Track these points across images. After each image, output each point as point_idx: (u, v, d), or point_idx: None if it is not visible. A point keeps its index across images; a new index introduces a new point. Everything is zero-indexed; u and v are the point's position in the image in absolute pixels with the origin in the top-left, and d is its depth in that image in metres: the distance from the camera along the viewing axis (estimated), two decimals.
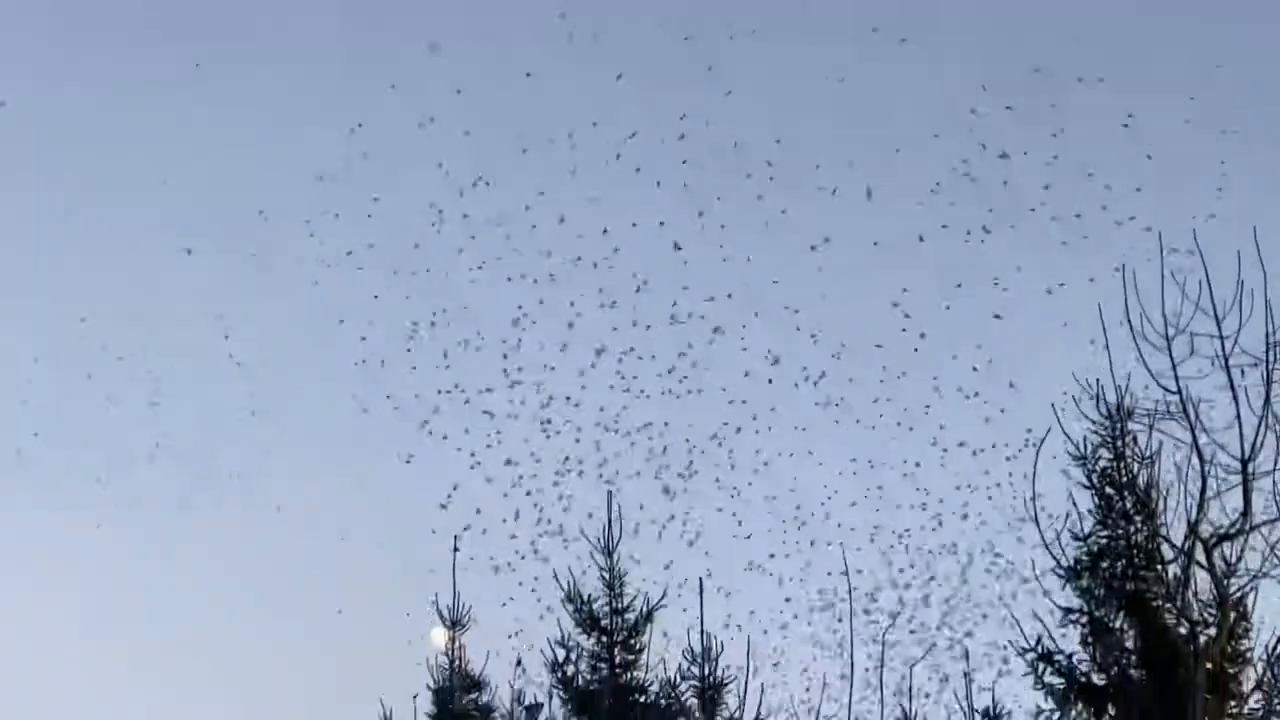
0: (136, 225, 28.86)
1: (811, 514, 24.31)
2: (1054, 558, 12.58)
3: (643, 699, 15.11)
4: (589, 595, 15.52)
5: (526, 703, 15.36)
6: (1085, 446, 13.06)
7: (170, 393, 26.99)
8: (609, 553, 15.55)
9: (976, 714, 12.86)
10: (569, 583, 15.52)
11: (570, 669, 15.34)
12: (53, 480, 28.22)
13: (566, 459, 23.92)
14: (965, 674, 12.96)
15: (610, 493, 15.79)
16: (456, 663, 16.58)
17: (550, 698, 15.21)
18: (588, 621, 15.50)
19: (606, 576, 15.54)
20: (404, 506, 25.86)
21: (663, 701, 14.94)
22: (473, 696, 16.46)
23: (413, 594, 22.40)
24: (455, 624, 16.66)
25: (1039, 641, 12.61)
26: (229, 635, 27.92)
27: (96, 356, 26.79)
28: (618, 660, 15.36)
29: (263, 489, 26.97)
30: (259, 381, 26.41)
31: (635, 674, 15.31)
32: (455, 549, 16.84)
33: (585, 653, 15.43)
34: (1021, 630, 12.55)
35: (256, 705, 26.13)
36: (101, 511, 27.06)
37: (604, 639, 15.44)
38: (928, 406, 24.03)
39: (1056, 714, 12.65)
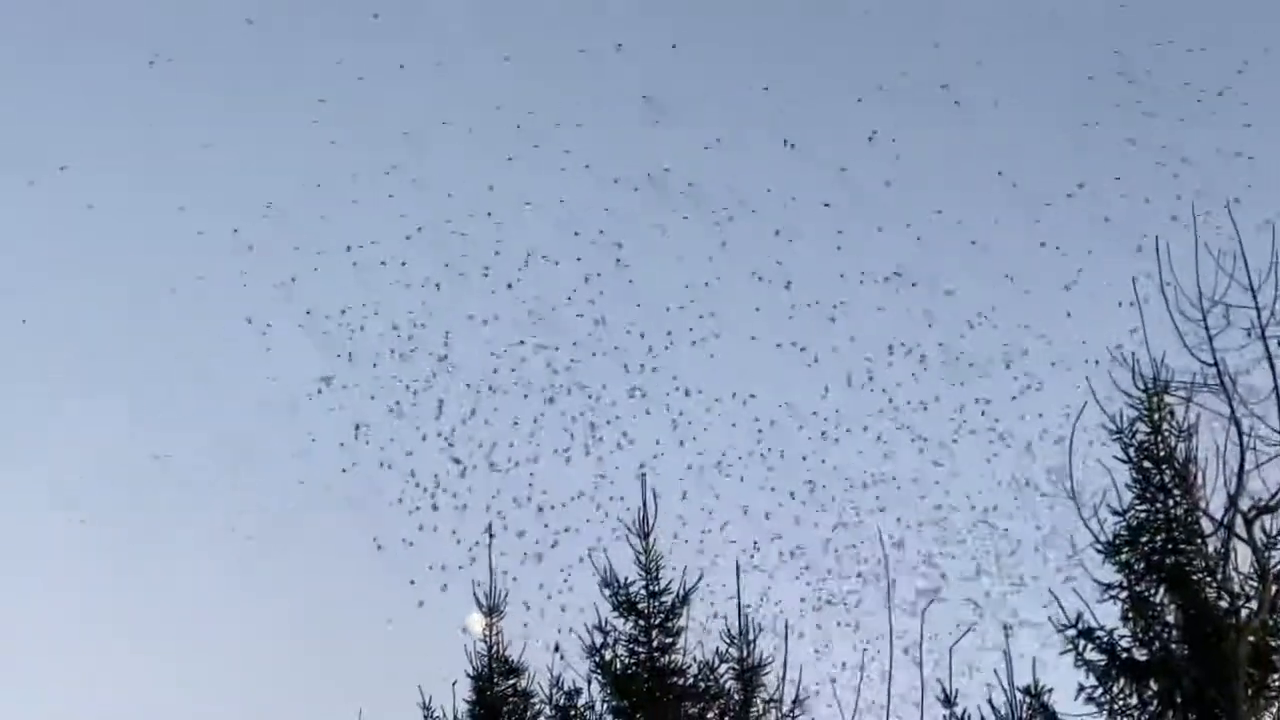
0: None
1: (831, 497, 24.43)
2: (1092, 533, 12.53)
3: (681, 681, 15.10)
4: (625, 579, 15.52)
5: (565, 688, 15.34)
6: (1122, 420, 12.99)
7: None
8: (644, 536, 15.53)
9: (1017, 691, 12.77)
10: (605, 567, 15.52)
11: (608, 653, 15.34)
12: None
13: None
14: (1005, 652, 12.85)
15: (644, 475, 15.77)
16: (494, 649, 16.57)
17: (589, 682, 15.21)
18: (624, 605, 15.49)
19: (642, 559, 15.53)
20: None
21: (701, 684, 14.93)
22: (511, 682, 16.44)
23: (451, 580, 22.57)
24: (492, 610, 16.65)
25: (1079, 618, 12.54)
26: (268, 624, 28.15)
27: None
28: (655, 643, 15.34)
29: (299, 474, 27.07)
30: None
31: (673, 656, 15.29)
32: (490, 534, 16.85)
33: (623, 636, 15.42)
34: (1061, 606, 12.50)
35: (297, 693, 26.29)
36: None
37: (641, 622, 15.43)
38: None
39: (1098, 690, 12.58)
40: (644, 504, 15.53)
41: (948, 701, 12.78)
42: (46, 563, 28.74)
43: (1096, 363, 12.93)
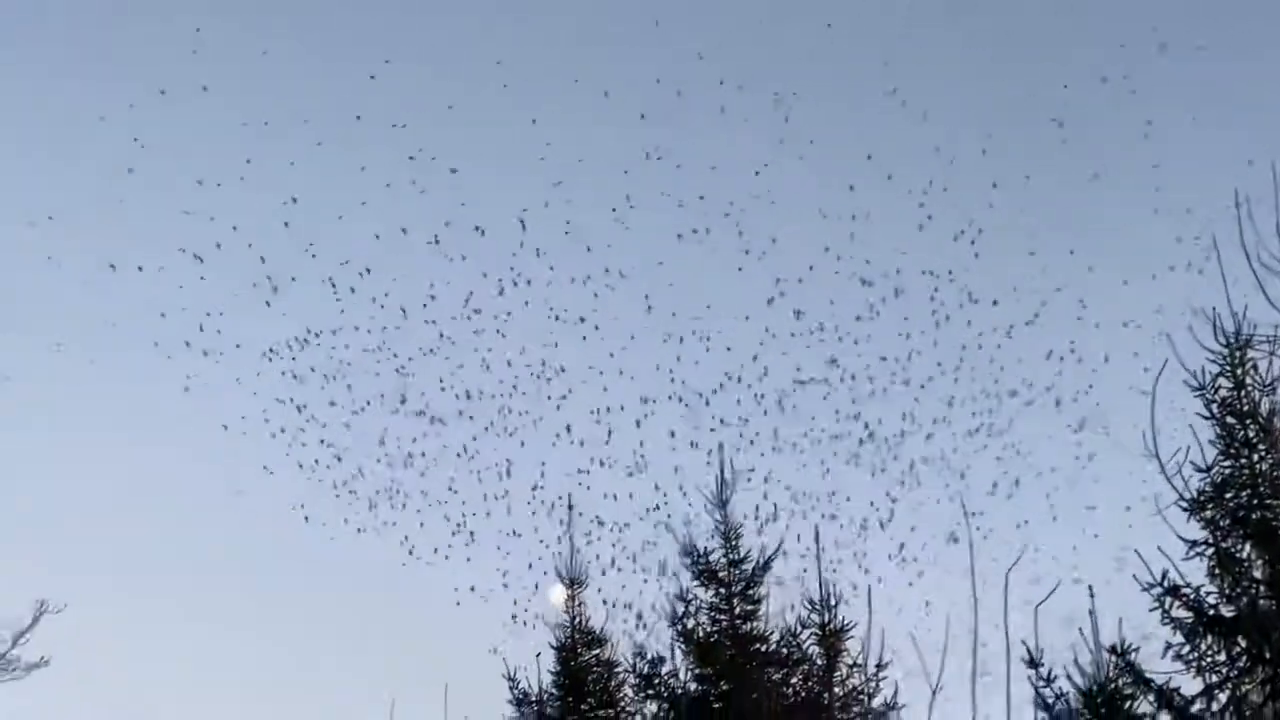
0: None
1: (910, 462, 24.38)
2: (1176, 490, 12.42)
3: (763, 648, 15.15)
4: (705, 549, 15.57)
5: (649, 656, 15.42)
6: (1204, 376, 12.87)
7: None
8: (723, 505, 15.59)
9: (1103, 650, 12.70)
10: (685, 536, 15.59)
11: (690, 622, 15.42)
12: None
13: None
14: (1090, 611, 12.77)
15: (721, 444, 15.79)
16: (577, 620, 16.67)
17: (671, 651, 15.28)
18: (705, 574, 15.56)
19: (721, 529, 15.59)
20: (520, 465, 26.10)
21: (784, 650, 14.97)
22: (595, 652, 16.54)
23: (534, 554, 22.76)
24: (574, 582, 16.75)
25: (1164, 576, 12.45)
26: (354, 595, 28.52)
27: None
28: (736, 611, 15.41)
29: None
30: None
31: (755, 624, 15.35)
32: (570, 507, 16.93)
33: (704, 605, 15.50)
34: (1147, 565, 12.40)
35: (384, 664, 26.64)
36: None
37: (722, 590, 15.50)
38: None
39: (1185, 647, 12.49)
40: (721, 474, 15.59)
41: (1033, 662, 12.71)
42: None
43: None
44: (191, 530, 29.17)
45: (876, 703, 14.12)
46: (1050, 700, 12.80)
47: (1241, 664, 12.23)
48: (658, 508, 23.32)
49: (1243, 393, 12.69)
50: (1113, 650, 12.69)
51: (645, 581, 20.45)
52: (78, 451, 30.27)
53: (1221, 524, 12.43)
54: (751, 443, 24.37)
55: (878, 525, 23.61)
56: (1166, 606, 12.49)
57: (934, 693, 8.88)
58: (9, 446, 28.40)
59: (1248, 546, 12.36)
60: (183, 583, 29.69)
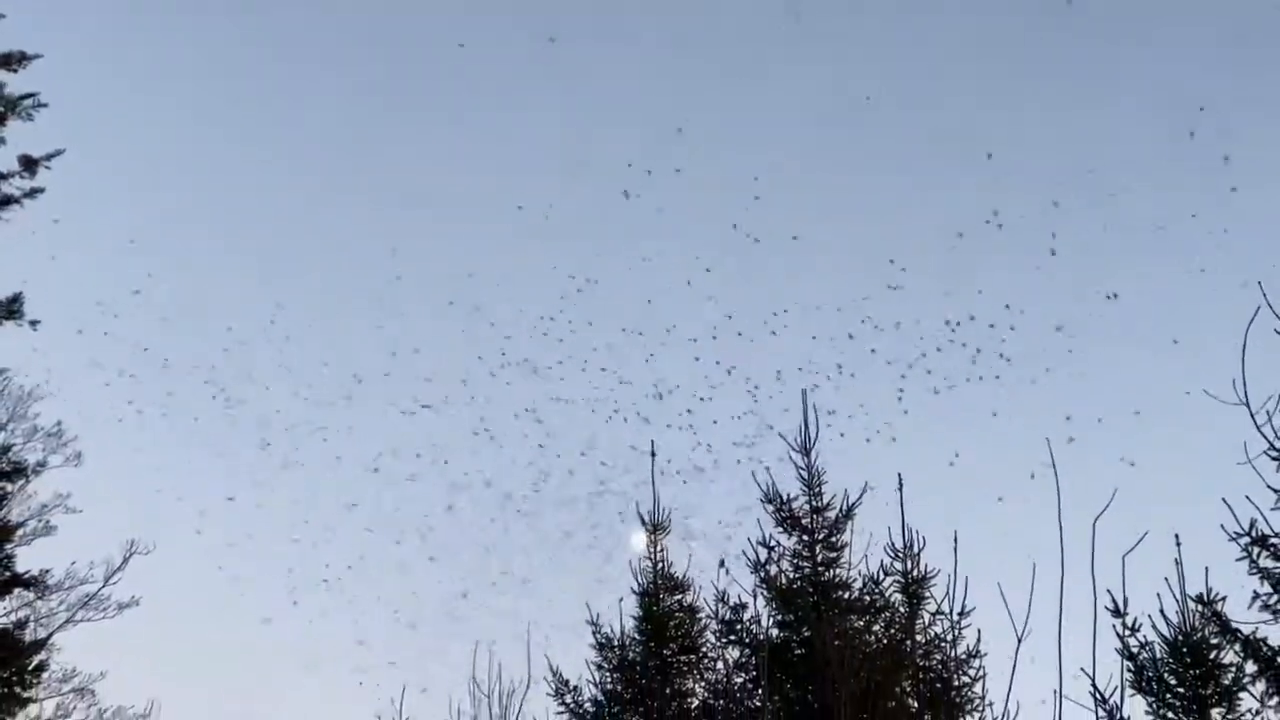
0: None
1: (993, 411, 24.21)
2: (1266, 439, 12.25)
3: (846, 595, 15.17)
4: (788, 495, 15.58)
5: (731, 602, 15.47)
6: None
7: None
8: (806, 451, 15.58)
9: (1190, 600, 12.64)
10: (768, 483, 15.60)
11: (772, 568, 15.44)
12: None
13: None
14: (1176, 561, 12.69)
15: (805, 391, 15.76)
16: (659, 566, 16.75)
17: (754, 597, 15.30)
18: (788, 521, 15.57)
19: (805, 475, 15.59)
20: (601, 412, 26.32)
21: (866, 597, 14.98)
22: (677, 598, 16.62)
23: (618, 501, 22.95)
24: (657, 528, 16.83)
25: (1252, 525, 12.34)
26: (437, 546, 28.87)
27: None
28: (819, 558, 15.42)
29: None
30: None
31: (837, 571, 15.36)
32: (653, 454, 16.97)
33: (787, 551, 15.52)
34: (1235, 515, 12.29)
35: (471, 610, 26.96)
36: None
37: (805, 537, 15.51)
38: None
39: (1273, 598, 12.40)
40: (805, 421, 15.58)
41: (1117, 611, 12.65)
42: None
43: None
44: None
45: (960, 650, 14.09)
46: (1135, 649, 12.76)
47: None
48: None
49: None
50: (1199, 600, 12.63)
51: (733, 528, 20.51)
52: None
53: None
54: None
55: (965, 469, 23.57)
56: (1254, 556, 12.39)
57: (1019, 640, 8.87)
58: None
59: None
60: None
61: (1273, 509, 12.40)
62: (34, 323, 22.90)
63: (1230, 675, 12.49)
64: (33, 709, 23.64)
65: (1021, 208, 27.37)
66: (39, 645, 23.77)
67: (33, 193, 22.89)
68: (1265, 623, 12.40)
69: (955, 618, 13.72)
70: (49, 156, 22.97)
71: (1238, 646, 12.44)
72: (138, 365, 29.07)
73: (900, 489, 15.11)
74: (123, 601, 24.92)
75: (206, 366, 29.29)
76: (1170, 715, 12.59)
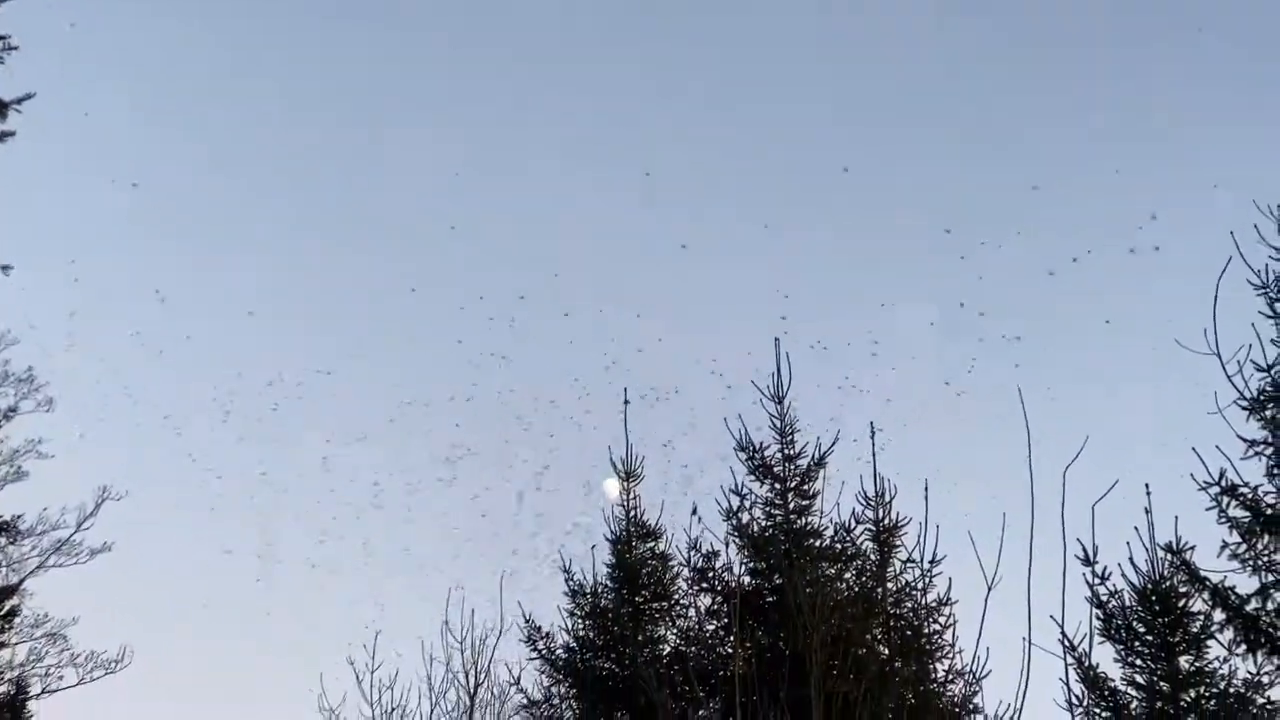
0: None
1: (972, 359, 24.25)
2: (1236, 389, 12.29)
3: (818, 543, 15.18)
4: (761, 443, 15.55)
5: (703, 550, 15.44)
6: (1267, 275, 12.72)
7: None
8: (779, 400, 15.54)
9: (1159, 549, 12.70)
10: (740, 430, 15.57)
11: (745, 516, 15.43)
12: None
13: None
14: (1146, 510, 12.74)
15: (777, 339, 15.70)
16: (632, 513, 16.71)
17: (726, 545, 15.28)
18: (760, 469, 15.55)
19: (777, 424, 15.55)
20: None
21: (838, 545, 14.99)
22: (649, 545, 16.59)
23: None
24: (629, 475, 16.77)
25: (1222, 475, 12.40)
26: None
27: None
28: (791, 506, 15.42)
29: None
30: None
31: (809, 519, 15.36)
32: (626, 401, 16.89)
33: (759, 499, 15.50)
34: (1205, 464, 12.35)
35: (440, 559, 27.04)
36: None
37: (777, 485, 15.49)
38: None
39: (1241, 547, 12.48)
40: (778, 368, 15.53)
41: (1088, 560, 12.72)
42: None
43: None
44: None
45: (930, 598, 14.15)
46: (1104, 598, 12.83)
47: None
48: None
49: None
50: (1168, 548, 12.69)
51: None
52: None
53: None
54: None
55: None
56: (1223, 505, 12.46)
57: (989, 588, 8.89)
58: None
59: None
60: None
61: (1242, 459, 12.46)
62: (5, 268, 22.69)
63: (1199, 623, 12.58)
64: (5, 654, 23.62)
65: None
66: (10, 590, 23.73)
67: (3, 136, 22.60)
68: (1233, 571, 12.49)
69: (926, 566, 13.78)
70: (19, 100, 22.67)
71: (1206, 595, 12.53)
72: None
73: (873, 437, 15.16)
74: (95, 547, 24.91)
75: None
76: (1138, 662, 12.69)
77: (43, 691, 23.88)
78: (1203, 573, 12.56)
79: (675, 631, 16.18)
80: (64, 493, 25.60)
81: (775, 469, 15.44)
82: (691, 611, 15.98)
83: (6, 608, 23.61)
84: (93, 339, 29.53)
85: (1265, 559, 12.29)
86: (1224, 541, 12.46)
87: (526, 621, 16.30)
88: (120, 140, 31.52)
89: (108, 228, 32.43)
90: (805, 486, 15.44)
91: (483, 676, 16.12)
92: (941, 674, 14.32)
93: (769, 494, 15.47)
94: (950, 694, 14.04)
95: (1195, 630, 12.58)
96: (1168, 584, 12.70)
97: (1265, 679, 12.19)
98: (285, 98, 33.08)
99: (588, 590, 16.40)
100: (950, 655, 14.30)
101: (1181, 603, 12.66)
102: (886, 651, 13.80)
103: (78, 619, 24.39)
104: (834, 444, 15.28)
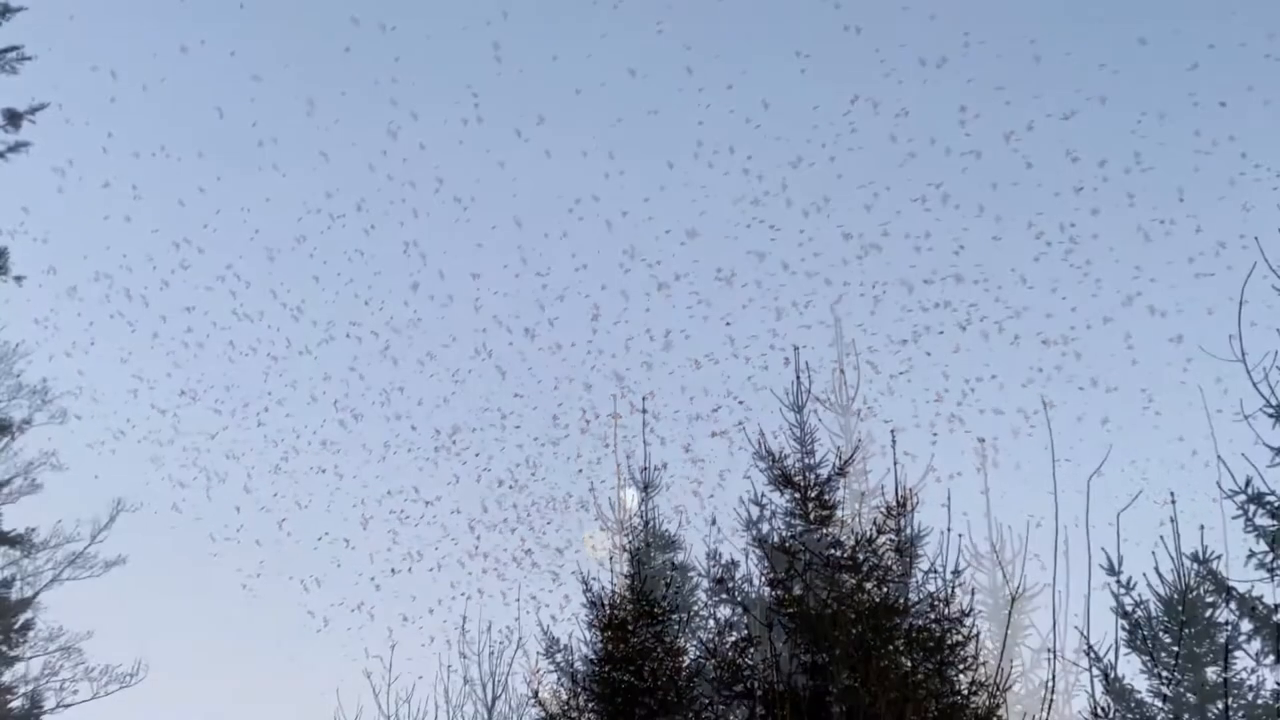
0: None
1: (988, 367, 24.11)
2: (1263, 396, 12.15)
3: (839, 553, 15.04)
4: (780, 452, 15.42)
5: (722, 561, 15.31)
6: None
7: None
8: (798, 409, 15.41)
9: (1185, 558, 12.56)
10: (759, 440, 15.44)
11: (764, 526, 15.31)
12: None
13: None
14: (1172, 519, 12.61)
15: (796, 348, 15.59)
16: (650, 524, 16.59)
17: (745, 555, 15.16)
18: (780, 479, 15.42)
19: (797, 433, 15.42)
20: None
21: (859, 555, 14.85)
22: (668, 556, 16.50)
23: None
24: (647, 486, 16.66)
25: (1248, 483, 12.27)
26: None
27: None
28: (811, 516, 15.28)
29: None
30: None
31: (830, 529, 15.22)
32: (644, 410, 16.77)
33: (779, 510, 15.37)
34: (1230, 472, 12.22)
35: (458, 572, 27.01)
36: None
37: (796, 495, 15.36)
38: None
39: (1269, 556, 12.34)
40: (797, 377, 15.40)
41: (1112, 569, 12.60)
42: None
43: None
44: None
45: (952, 608, 13.98)
46: (1130, 608, 12.70)
47: None
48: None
49: None
50: (1194, 558, 12.56)
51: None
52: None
53: None
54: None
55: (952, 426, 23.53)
56: (1250, 514, 12.33)
57: (1013, 599, 8.75)
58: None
59: None
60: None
61: (1269, 466, 12.32)
62: (19, 278, 22.66)
63: (1225, 634, 12.44)
64: (19, 668, 23.55)
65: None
66: (25, 604, 23.66)
67: (17, 147, 22.60)
68: (1261, 581, 12.35)
69: (949, 576, 13.62)
70: (33, 110, 22.68)
71: (1233, 605, 12.39)
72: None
73: (894, 446, 15.02)
74: (110, 560, 24.87)
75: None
76: (1165, 674, 12.55)
77: (57, 705, 23.83)
78: (1229, 582, 12.43)
79: (695, 644, 16.06)
80: (78, 505, 25.62)
81: (795, 478, 15.30)
82: (710, 623, 15.86)
83: (21, 621, 23.54)
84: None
85: None
86: (1251, 550, 12.33)
87: (544, 633, 16.21)
88: None
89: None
90: (825, 496, 15.30)
91: (500, 689, 16.02)
92: (965, 686, 14.17)
93: (789, 504, 15.33)
94: (974, 705, 13.88)
95: (1222, 641, 12.45)
96: (1194, 594, 12.57)
97: None
98: None
99: (605, 601, 16.28)
100: (974, 667, 14.15)
101: (1208, 613, 12.53)
102: (909, 663, 13.66)
103: (92, 632, 24.34)
104: (855, 453, 15.16)
